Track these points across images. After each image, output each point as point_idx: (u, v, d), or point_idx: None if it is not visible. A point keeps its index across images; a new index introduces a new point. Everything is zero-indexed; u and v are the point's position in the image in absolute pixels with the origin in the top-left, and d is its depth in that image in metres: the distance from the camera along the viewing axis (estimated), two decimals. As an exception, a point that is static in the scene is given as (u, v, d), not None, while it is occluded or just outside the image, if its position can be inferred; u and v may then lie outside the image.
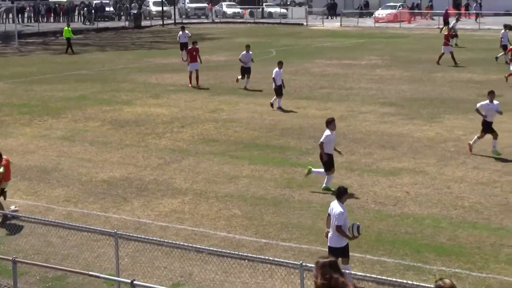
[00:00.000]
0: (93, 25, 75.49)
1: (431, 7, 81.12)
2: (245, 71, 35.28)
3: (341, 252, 13.44)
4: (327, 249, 15.44)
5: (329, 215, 13.63)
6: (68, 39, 53.29)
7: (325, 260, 8.97)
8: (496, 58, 42.33)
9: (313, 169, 19.77)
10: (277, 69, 30.33)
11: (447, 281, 8.82)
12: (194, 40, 38.44)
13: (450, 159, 22.18)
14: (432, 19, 77.60)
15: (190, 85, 36.00)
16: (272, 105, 30.27)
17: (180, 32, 47.51)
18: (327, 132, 19.13)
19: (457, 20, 56.51)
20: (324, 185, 19.40)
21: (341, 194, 13.61)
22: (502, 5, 78.16)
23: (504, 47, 42.02)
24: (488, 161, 21.79)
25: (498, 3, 79.05)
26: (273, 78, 30.27)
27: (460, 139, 24.51)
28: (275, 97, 30.34)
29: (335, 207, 13.46)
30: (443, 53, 42.52)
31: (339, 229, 13.30)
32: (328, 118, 19.54)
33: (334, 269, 8.88)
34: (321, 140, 19.23)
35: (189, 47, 37.59)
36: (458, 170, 21.06)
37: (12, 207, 18.03)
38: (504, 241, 15.74)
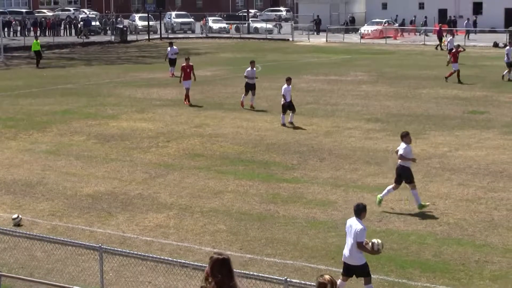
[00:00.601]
0: (88, 39, 75.42)
1: (425, 23, 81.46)
2: (250, 88, 34.43)
3: (362, 269, 13.52)
4: (311, 265, 15.53)
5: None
6: (37, 52, 53.27)
7: (219, 256, 9.08)
8: (503, 76, 42.32)
9: (381, 195, 19.36)
10: (285, 85, 29.96)
11: (326, 276, 9.14)
12: (187, 57, 37.89)
13: (435, 176, 22.28)
14: (415, 34, 78.00)
15: (187, 103, 35.19)
16: (284, 124, 29.85)
17: (169, 48, 47.05)
18: (403, 144, 19.09)
19: (453, 36, 56.74)
20: (416, 203, 19.07)
21: (360, 211, 13.66)
22: (488, 22, 78.79)
23: (508, 64, 42.17)
24: (473, 178, 21.89)
25: (484, 20, 79.72)
26: (283, 95, 29.81)
27: (445, 156, 24.64)
28: (282, 115, 30.03)
29: (355, 224, 13.51)
30: (458, 70, 42.08)
31: (360, 245, 13.36)
32: (402, 132, 19.61)
33: (225, 266, 9.02)
34: (400, 153, 19.09)
35: (182, 64, 36.64)
36: (443, 186, 21.15)
37: (15, 216, 18.27)
38: (489, 258, 15.83)
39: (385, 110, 33.22)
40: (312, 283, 12.70)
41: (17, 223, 18.10)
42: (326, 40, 74.28)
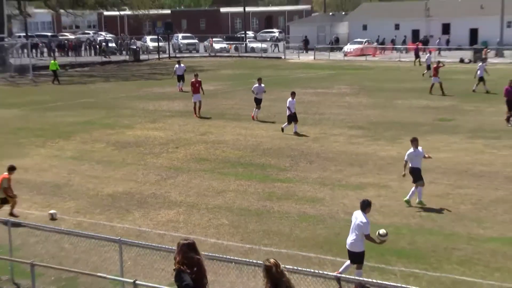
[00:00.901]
0: (109, 58, 75.46)
1: (404, 42, 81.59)
2: (257, 102, 33.92)
3: (359, 256, 13.71)
4: (302, 253, 15.70)
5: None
6: (54, 71, 53.62)
7: (185, 241, 9.71)
8: (473, 90, 41.97)
9: (408, 197, 19.42)
10: (290, 98, 29.86)
11: (272, 260, 9.43)
12: (196, 73, 37.65)
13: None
14: (392, 52, 78.03)
15: (195, 115, 34.93)
16: (282, 129, 29.95)
17: (177, 65, 46.86)
18: (410, 150, 19.36)
19: (430, 53, 56.76)
20: (419, 198, 19.26)
21: (366, 206, 13.79)
22: (455, 41, 79.01)
23: (480, 79, 41.81)
24: (442, 177, 22.03)
25: (452, 39, 79.98)
26: (288, 107, 29.70)
27: (418, 158, 24.76)
28: (286, 123, 30.02)
29: (360, 217, 13.64)
30: (433, 84, 42.03)
31: (368, 236, 13.56)
32: (412, 138, 19.83)
33: (191, 249, 9.65)
34: (405, 158, 19.41)
35: (192, 80, 36.33)
36: (416, 184, 21.29)
37: (52, 211, 18.69)
38: (455, 245, 15.99)
39: (366, 119, 33.35)
40: (304, 269, 12.92)
41: (54, 218, 18.37)
42: (314, 58, 74.29)
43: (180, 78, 46.00)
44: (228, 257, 14.14)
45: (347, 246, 13.92)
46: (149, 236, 17.05)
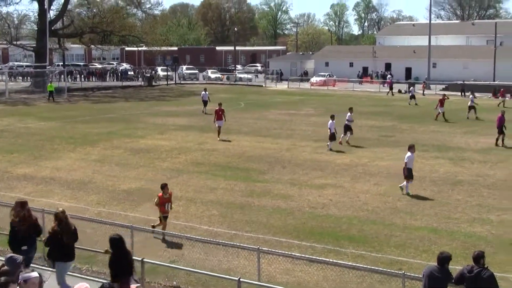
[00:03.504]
0: (153, 86, 74.02)
1: (358, 76, 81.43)
2: (347, 129, 30.24)
3: None
4: (275, 238, 15.52)
5: None
6: (50, 91, 54.75)
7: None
8: (468, 117, 39.94)
9: (405, 190, 19.89)
10: (330, 121, 28.55)
11: (61, 209, 11.62)
12: (220, 102, 33.63)
13: (359, 178, 22.36)
14: (347, 83, 78.11)
15: (218, 139, 31.01)
16: (331, 149, 27.97)
17: (203, 92, 44.29)
18: (408, 153, 20.03)
19: (414, 86, 56.14)
20: (406, 190, 19.84)
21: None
22: (395, 76, 79.24)
23: (470, 107, 39.85)
24: (384, 180, 21.97)
25: (393, 74, 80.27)
26: (329, 128, 28.42)
27: (366, 164, 24.74)
28: (329, 142, 28.36)
29: None
30: (443, 112, 39.34)
31: None
32: (409, 144, 20.78)
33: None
34: (405, 160, 20.03)
35: (216, 108, 32.42)
36: (365, 185, 21.23)
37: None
38: (393, 233, 15.91)
39: (327, 134, 32.74)
40: (278, 251, 12.75)
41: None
42: (288, 86, 74.20)
43: (205, 102, 43.40)
44: (217, 240, 13.98)
45: None
46: (155, 223, 16.76)
